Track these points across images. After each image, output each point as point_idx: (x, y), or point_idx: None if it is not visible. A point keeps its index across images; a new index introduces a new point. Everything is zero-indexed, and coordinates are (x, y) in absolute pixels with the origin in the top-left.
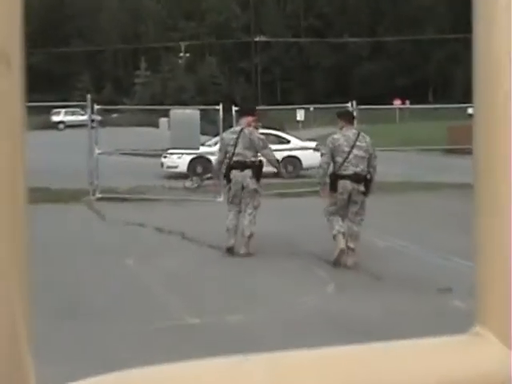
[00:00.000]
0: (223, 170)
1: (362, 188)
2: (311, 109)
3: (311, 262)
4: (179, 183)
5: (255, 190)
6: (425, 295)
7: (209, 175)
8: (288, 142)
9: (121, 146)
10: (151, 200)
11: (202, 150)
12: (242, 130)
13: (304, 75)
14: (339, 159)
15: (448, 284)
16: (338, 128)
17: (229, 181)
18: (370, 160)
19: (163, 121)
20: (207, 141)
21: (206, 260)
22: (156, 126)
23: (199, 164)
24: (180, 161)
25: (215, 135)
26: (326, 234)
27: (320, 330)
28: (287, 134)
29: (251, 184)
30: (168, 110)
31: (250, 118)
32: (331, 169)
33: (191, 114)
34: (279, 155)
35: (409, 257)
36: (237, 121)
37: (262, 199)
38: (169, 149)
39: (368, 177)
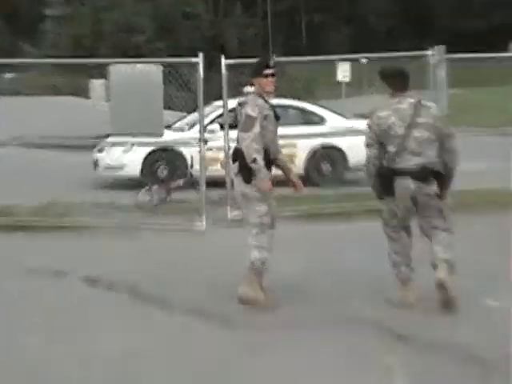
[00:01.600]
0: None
1: (433, 188)
2: (363, 61)
3: (368, 333)
4: (127, 197)
5: (242, 195)
6: None
7: (180, 181)
8: (321, 120)
9: (21, 131)
10: (77, 228)
11: (168, 136)
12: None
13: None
14: (391, 148)
15: None
16: (387, 98)
17: None
18: (442, 142)
19: (97, 85)
20: (177, 120)
21: (180, 336)
22: (84, 94)
23: (163, 162)
24: (129, 157)
25: (192, 110)
26: (389, 283)
27: None
28: (320, 106)
29: (236, 184)
30: (105, 66)
31: (263, 81)
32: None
33: (147, 72)
34: (306, 144)
35: None
36: (231, 85)
37: (283, 224)
38: (108, 135)
39: (441, 170)
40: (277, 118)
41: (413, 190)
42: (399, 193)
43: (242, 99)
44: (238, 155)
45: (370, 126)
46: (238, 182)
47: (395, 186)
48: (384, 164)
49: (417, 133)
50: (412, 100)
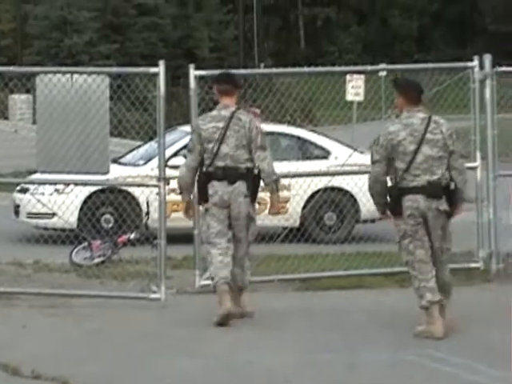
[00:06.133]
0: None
1: (443, 205)
2: (382, 73)
3: None
4: (58, 255)
5: (248, 217)
6: None
7: (132, 234)
8: (326, 154)
9: None
10: None
11: (116, 173)
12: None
13: None
14: (401, 165)
15: None
16: (394, 111)
17: None
18: (450, 160)
19: (18, 101)
20: (129, 152)
21: None
22: (0, 113)
23: (108, 208)
24: (61, 200)
25: (148, 138)
26: None
27: None
28: (323, 135)
29: (244, 206)
30: (30, 77)
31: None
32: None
33: (88, 85)
34: (304, 187)
35: None
36: (204, 104)
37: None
38: (33, 172)
39: (452, 186)
40: None
41: (423, 207)
42: (409, 210)
43: (231, 108)
44: (247, 175)
45: (377, 141)
46: (247, 203)
47: (404, 203)
48: (392, 182)
49: (427, 150)
50: (423, 115)
